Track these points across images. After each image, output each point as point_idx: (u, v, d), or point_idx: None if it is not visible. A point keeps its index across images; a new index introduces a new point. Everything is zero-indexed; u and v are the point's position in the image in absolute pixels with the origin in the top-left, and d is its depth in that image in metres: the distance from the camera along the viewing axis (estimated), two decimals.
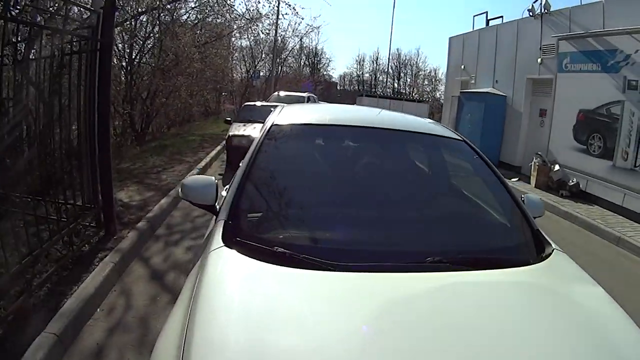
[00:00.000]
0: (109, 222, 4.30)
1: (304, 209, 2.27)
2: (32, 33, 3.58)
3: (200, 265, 1.82)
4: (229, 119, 10.63)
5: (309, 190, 2.44)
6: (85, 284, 3.32)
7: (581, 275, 1.94)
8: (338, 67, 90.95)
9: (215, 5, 11.92)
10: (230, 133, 8.80)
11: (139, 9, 9.73)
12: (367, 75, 53.15)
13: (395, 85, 51.01)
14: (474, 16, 15.22)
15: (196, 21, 13.39)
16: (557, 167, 9.55)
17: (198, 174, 7.89)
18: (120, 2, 8.32)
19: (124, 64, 10.61)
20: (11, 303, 2.73)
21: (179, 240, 4.92)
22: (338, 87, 51.98)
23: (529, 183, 10.18)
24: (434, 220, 2.38)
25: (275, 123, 2.70)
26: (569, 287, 1.84)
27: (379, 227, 2.18)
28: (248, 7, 15.09)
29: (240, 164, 4.72)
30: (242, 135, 8.51)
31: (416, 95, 47.41)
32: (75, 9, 4.63)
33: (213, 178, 2.40)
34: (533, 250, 2.09)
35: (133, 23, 10.19)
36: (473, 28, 15.18)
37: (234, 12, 13.84)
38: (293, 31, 26.33)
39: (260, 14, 15.02)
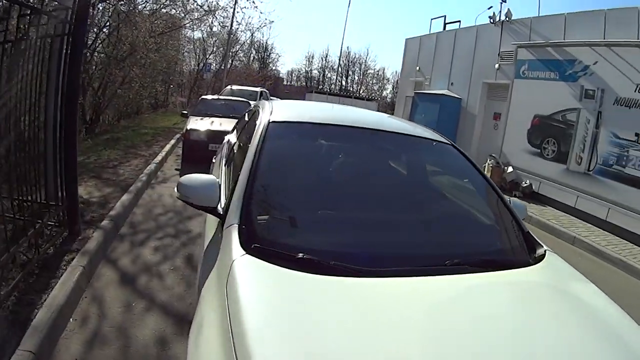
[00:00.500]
0: (73, 221, 3.93)
1: (320, 212, 2.21)
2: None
3: (220, 276, 1.65)
4: (185, 112, 10.32)
5: (321, 192, 2.36)
6: (55, 292, 2.99)
7: (575, 273, 2.07)
8: (287, 62, 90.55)
9: None
10: (188, 127, 8.47)
11: None
12: (315, 72, 53.56)
13: (343, 82, 51.86)
14: (432, 19, 15.72)
15: (152, 10, 12.90)
16: (510, 169, 9.90)
17: (156, 168, 7.57)
18: None
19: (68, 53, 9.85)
20: None
21: (144, 240, 4.63)
22: (285, 83, 52.01)
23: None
24: (443, 223, 2.43)
25: (272, 120, 2.55)
26: (569, 284, 1.98)
27: (395, 231, 2.18)
28: None
29: (214, 159, 4.61)
30: (200, 130, 8.26)
31: (364, 93, 48.37)
32: None
33: (214, 177, 2.22)
34: (531, 251, 2.18)
35: (90, 10, 9.53)
36: (430, 31, 15.54)
37: (195, 2, 13.50)
38: (246, 25, 26.01)
39: (218, 5, 14.72)
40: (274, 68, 47.29)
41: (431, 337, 1.38)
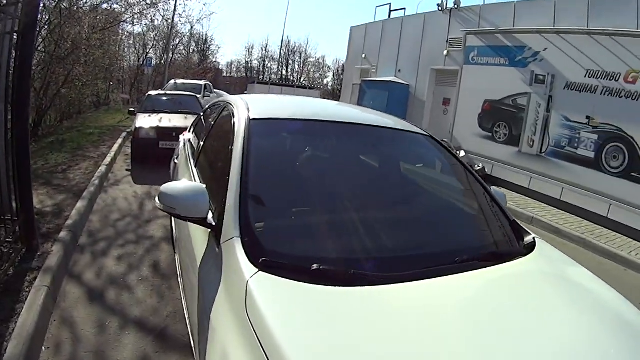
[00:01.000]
0: (31, 236, 3.57)
1: (323, 216, 2.08)
2: None
3: (233, 299, 1.50)
4: (133, 109, 9.95)
5: (320, 194, 2.24)
6: (22, 320, 2.68)
7: (566, 259, 2.12)
8: (227, 54, 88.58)
9: None
10: (137, 125, 8.09)
11: None
12: (255, 62, 52.91)
13: (284, 72, 51.54)
14: (377, 7, 15.76)
15: (94, 6, 12.34)
16: (462, 153, 10.13)
17: (106, 170, 7.13)
18: None
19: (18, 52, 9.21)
20: None
21: (106, 249, 4.31)
22: (225, 75, 51.21)
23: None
24: (441, 219, 2.43)
25: (253, 118, 2.36)
26: (565, 270, 2.02)
27: (401, 231, 2.13)
28: None
29: (175, 160, 4.29)
30: (150, 128, 7.93)
31: (305, 81, 48.31)
32: None
33: (201, 184, 2.03)
34: (520, 239, 2.18)
35: None
36: (375, 19, 15.62)
37: None
38: (187, 17, 25.44)
39: None
40: (214, 60, 46.26)
41: (479, 337, 1.37)
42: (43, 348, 2.67)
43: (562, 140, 8.12)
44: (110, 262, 4.00)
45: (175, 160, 4.23)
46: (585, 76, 7.68)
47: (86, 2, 12.05)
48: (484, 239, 2.27)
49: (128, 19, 15.01)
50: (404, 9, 14.23)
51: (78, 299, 3.30)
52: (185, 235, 2.36)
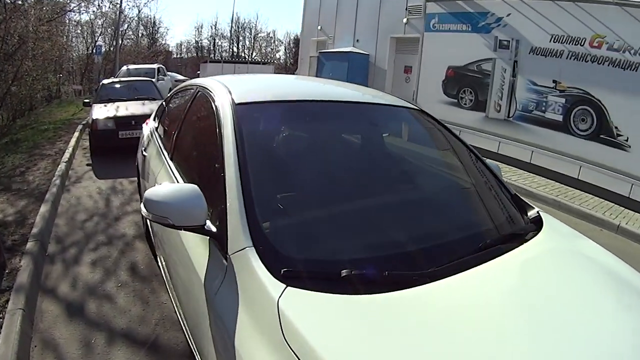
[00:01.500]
0: None
1: (338, 211, 1.86)
2: None
3: (261, 322, 1.31)
4: (87, 100, 9.56)
5: (329, 186, 2.02)
6: (1, 351, 2.46)
7: (574, 232, 2.08)
8: (176, 35, 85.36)
9: None
10: (93, 117, 7.77)
11: None
12: (205, 41, 51.87)
13: (235, 49, 50.84)
14: None
15: None
16: None
17: (66, 168, 6.72)
18: None
19: None
20: None
21: (77, 255, 4.03)
22: (175, 56, 50.08)
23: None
24: (455, 202, 2.29)
25: (238, 102, 2.11)
26: (578, 245, 1.96)
27: (421, 221, 1.98)
28: None
29: (143, 152, 3.96)
30: (107, 118, 7.68)
31: (257, 57, 48.03)
32: None
33: (193, 185, 1.72)
34: (524, 214, 2.12)
35: None
36: None
37: None
38: (134, 1, 24.52)
39: None
40: (163, 42, 44.93)
41: (545, 328, 1.29)
42: None
43: (529, 104, 8.22)
44: (84, 269, 3.75)
45: (144, 153, 3.82)
46: (550, 41, 7.73)
47: None
48: (497, 218, 2.10)
49: (75, 8, 14.36)
50: None
51: (57, 317, 3.06)
52: (175, 239, 2.08)
